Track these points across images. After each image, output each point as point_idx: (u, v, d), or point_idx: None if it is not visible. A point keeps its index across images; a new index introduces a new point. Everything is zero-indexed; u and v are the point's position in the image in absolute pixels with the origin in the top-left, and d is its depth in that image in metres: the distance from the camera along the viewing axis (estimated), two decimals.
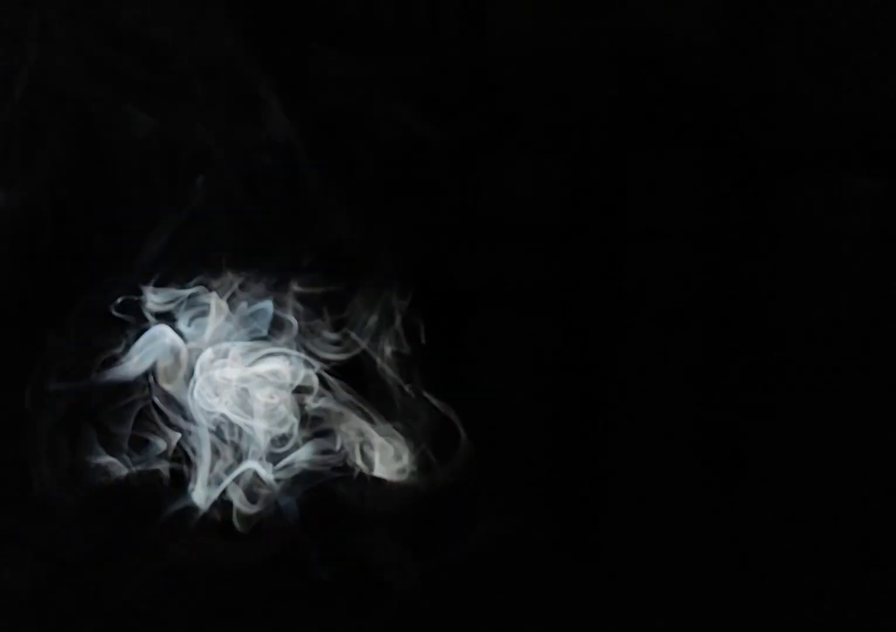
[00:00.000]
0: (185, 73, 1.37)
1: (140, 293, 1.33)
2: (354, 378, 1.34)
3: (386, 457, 1.34)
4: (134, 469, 1.33)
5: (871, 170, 1.47)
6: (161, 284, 1.33)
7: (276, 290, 1.34)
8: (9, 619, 1.43)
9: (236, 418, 1.34)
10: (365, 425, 1.34)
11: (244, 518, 1.34)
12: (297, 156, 1.38)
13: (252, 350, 1.34)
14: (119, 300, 1.34)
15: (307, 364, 1.33)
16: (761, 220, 1.48)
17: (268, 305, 1.34)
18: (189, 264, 1.34)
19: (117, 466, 1.34)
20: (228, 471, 1.34)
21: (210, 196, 1.35)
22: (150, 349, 1.33)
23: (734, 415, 1.47)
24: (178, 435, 1.33)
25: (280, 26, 1.42)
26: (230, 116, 1.38)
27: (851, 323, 1.47)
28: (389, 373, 1.34)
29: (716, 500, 1.46)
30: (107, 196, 1.39)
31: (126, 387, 1.33)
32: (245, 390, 1.34)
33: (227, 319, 1.34)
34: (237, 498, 1.33)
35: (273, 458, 1.34)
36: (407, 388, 1.34)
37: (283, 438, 1.33)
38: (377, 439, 1.34)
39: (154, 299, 1.33)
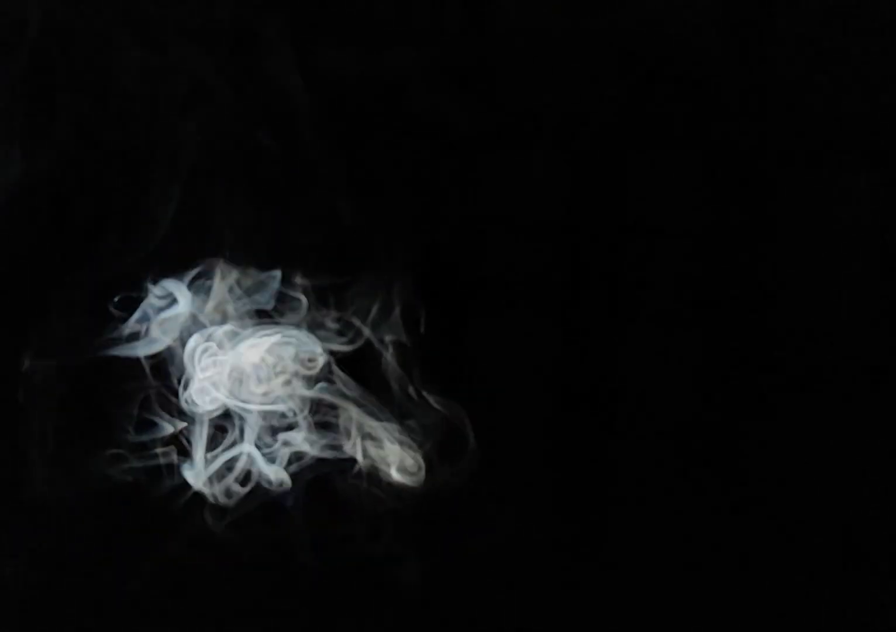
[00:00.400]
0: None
1: (141, 289, 1.34)
2: (359, 373, 1.35)
3: (402, 466, 1.35)
4: (134, 461, 1.33)
5: (870, 168, 1.47)
6: (161, 274, 1.34)
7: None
8: (9, 617, 1.43)
9: (233, 402, 1.34)
10: (373, 425, 1.34)
11: (219, 509, 1.34)
12: (303, 145, 1.39)
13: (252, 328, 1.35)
14: (118, 298, 1.34)
15: (311, 346, 1.34)
16: (761, 218, 1.48)
17: (275, 274, 1.34)
18: (188, 253, 1.35)
19: (118, 460, 1.34)
20: (224, 454, 1.34)
21: (211, 185, 1.36)
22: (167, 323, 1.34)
23: (735, 413, 1.47)
24: (178, 422, 1.33)
25: (282, 20, 1.43)
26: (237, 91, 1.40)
27: (852, 321, 1.47)
28: (393, 370, 1.35)
29: (717, 499, 1.46)
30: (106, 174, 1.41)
31: (124, 372, 1.33)
32: (243, 373, 1.34)
33: (231, 289, 1.34)
34: (221, 488, 1.33)
35: (270, 444, 1.34)
36: (412, 389, 1.34)
37: (285, 426, 1.34)
38: (390, 446, 1.34)
39: (156, 292, 1.33)
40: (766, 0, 1.47)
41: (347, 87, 1.44)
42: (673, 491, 1.46)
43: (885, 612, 1.45)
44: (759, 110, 1.47)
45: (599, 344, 1.47)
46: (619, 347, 1.47)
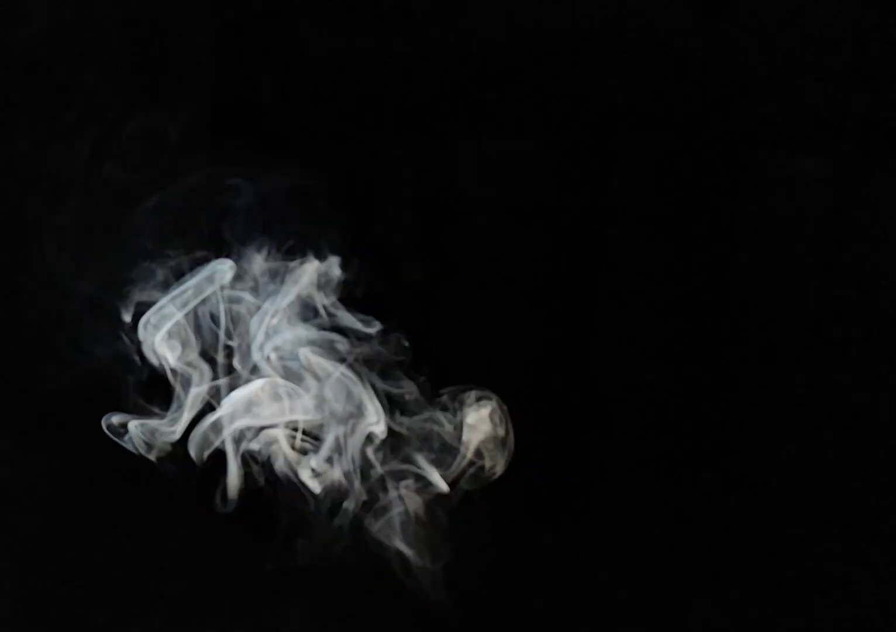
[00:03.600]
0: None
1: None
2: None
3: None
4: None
5: (822, 150, 1.52)
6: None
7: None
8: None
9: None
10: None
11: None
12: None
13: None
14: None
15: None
16: (722, 198, 1.53)
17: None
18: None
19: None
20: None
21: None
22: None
23: (706, 392, 1.53)
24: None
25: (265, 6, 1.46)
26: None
27: (808, 297, 1.53)
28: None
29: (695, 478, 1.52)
30: None
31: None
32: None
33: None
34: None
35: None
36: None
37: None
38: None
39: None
40: None
41: (337, 70, 1.46)
42: (651, 467, 1.51)
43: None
44: (721, 96, 1.51)
45: (580, 324, 1.52)
46: (599, 329, 1.52)
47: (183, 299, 1.34)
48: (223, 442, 1.33)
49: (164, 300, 1.34)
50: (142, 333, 1.33)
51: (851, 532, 1.48)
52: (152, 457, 1.32)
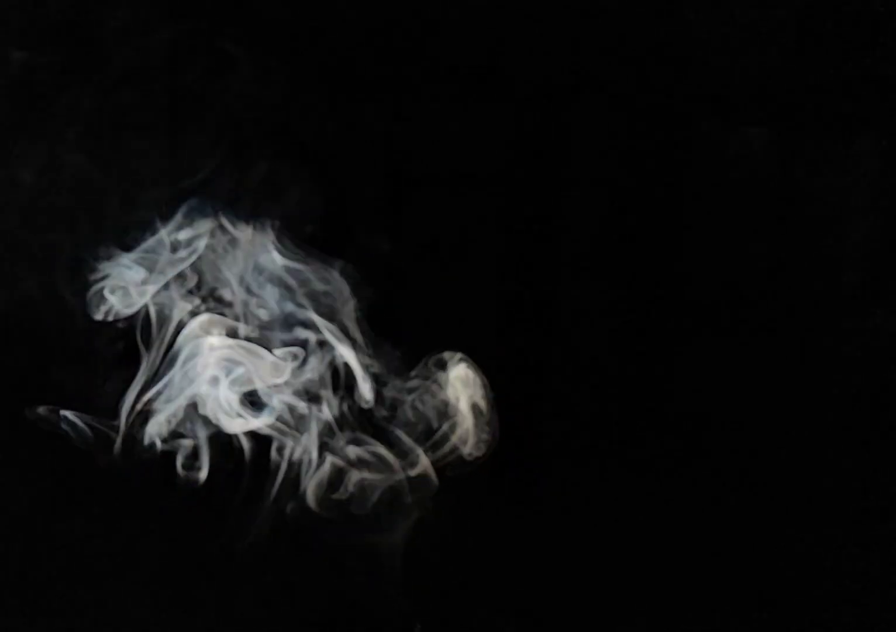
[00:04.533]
0: None
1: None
2: None
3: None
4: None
5: (763, 120, 1.52)
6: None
7: None
8: None
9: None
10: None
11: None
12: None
13: None
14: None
15: None
16: (674, 167, 1.54)
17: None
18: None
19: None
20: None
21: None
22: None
23: (675, 366, 1.53)
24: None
25: None
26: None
27: (750, 258, 1.52)
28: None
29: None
30: None
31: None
32: None
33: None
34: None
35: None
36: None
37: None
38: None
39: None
40: None
41: (296, 37, 1.45)
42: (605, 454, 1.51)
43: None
44: (669, 67, 1.51)
45: (536, 292, 1.52)
46: (563, 301, 1.52)
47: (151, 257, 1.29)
48: (182, 419, 1.29)
49: (126, 257, 1.29)
50: (97, 295, 1.29)
51: (851, 532, 1.49)
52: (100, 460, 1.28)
